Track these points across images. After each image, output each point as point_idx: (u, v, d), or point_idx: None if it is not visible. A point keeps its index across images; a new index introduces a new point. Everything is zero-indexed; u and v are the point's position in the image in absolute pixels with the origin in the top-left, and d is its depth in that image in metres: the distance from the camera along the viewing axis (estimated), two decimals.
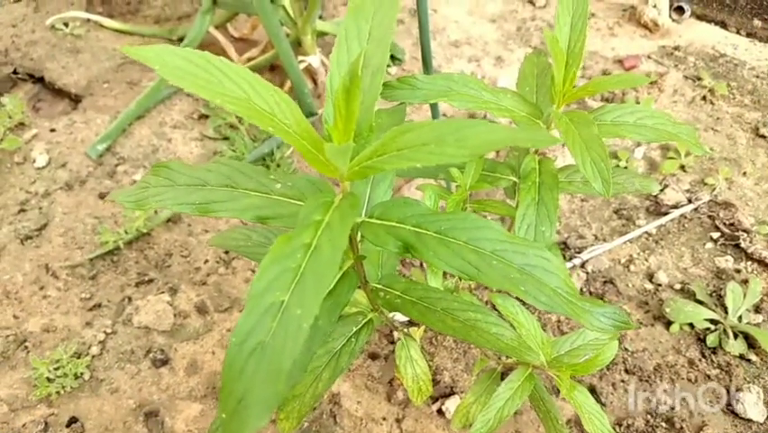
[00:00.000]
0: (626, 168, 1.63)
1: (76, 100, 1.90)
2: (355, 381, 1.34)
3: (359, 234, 0.72)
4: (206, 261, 1.51)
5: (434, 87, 0.93)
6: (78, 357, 1.35)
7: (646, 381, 1.32)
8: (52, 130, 1.77)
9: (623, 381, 1.32)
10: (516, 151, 1.18)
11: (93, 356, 1.36)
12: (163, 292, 1.45)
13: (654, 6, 1.85)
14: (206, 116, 1.75)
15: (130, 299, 1.45)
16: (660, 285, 1.45)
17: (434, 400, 1.31)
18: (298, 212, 0.67)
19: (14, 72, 1.97)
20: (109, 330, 1.40)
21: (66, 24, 2.05)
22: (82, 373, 1.33)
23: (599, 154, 0.81)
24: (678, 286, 1.45)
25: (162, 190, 0.72)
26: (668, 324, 1.39)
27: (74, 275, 1.49)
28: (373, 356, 1.37)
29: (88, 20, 2.05)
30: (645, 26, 1.90)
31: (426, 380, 1.06)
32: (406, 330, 1.10)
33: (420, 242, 0.65)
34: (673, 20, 1.92)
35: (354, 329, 0.93)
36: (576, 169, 1.06)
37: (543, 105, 1.02)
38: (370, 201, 0.79)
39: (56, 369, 1.33)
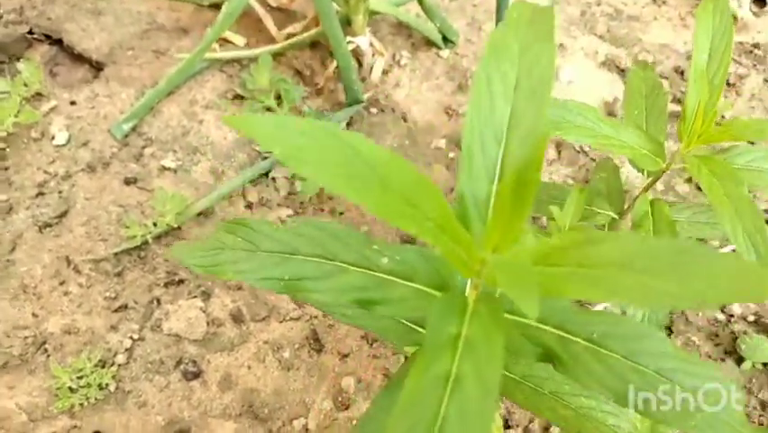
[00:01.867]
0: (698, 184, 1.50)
1: (97, 68, 1.74)
2: None
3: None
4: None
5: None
6: (103, 366, 1.25)
7: None
8: (72, 103, 1.62)
9: None
10: (605, 173, 1.05)
11: (119, 365, 1.26)
12: (195, 297, 1.33)
13: None
14: (242, 97, 1.60)
15: (159, 301, 1.34)
16: (732, 316, 1.33)
17: None
18: (412, 295, 0.55)
19: (30, 32, 1.80)
20: (136, 336, 1.29)
21: None
22: (107, 384, 1.23)
23: (754, 223, 0.68)
24: (751, 318, 1.34)
25: (241, 256, 0.59)
26: (739, 360, 1.28)
27: (97, 270, 1.37)
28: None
29: None
30: None
31: None
32: None
33: (567, 352, 0.53)
34: (754, 13, 1.75)
35: None
36: (690, 207, 0.93)
37: (654, 133, 0.89)
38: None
39: (79, 378, 1.22)
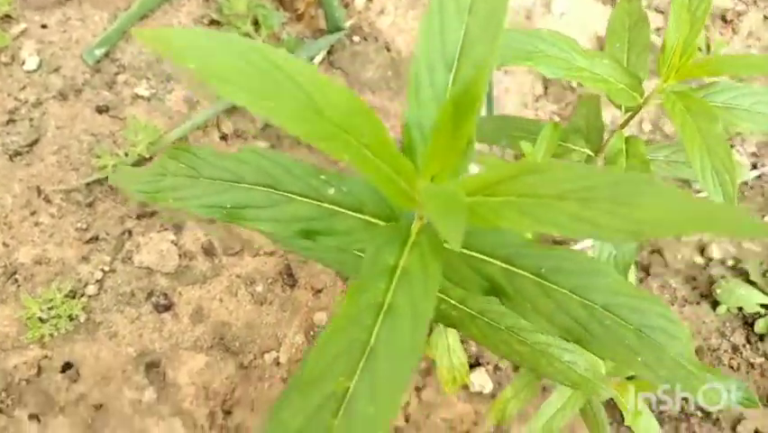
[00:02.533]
0: None
1: None
2: None
3: None
4: None
5: (512, 46, 0.75)
6: (74, 297, 1.24)
7: None
8: (44, 26, 1.55)
9: None
10: (586, 109, 1.02)
11: (90, 297, 1.25)
12: (167, 229, 1.31)
13: None
14: (218, 23, 1.54)
15: (130, 233, 1.32)
16: (711, 260, 1.32)
17: None
18: (358, 227, 0.53)
19: None
20: (107, 268, 1.28)
21: None
22: (78, 315, 1.22)
23: (724, 163, 0.66)
24: (730, 262, 1.33)
25: (183, 183, 0.56)
26: (715, 303, 1.28)
27: (69, 201, 1.35)
28: None
29: None
30: None
31: (463, 371, 0.95)
32: None
33: (513, 286, 0.51)
34: (765, 17, 1.67)
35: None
36: (669, 146, 0.90)
37: (635, 68, 0.85)
38: None
39: (49, 309, 1.21)
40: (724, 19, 1.57)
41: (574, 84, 1.52)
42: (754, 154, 1.43)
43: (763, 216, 1.37)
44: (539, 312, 0.49)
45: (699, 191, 1.42)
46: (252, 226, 0.53)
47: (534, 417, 0.84)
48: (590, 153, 0.92)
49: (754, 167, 1.41)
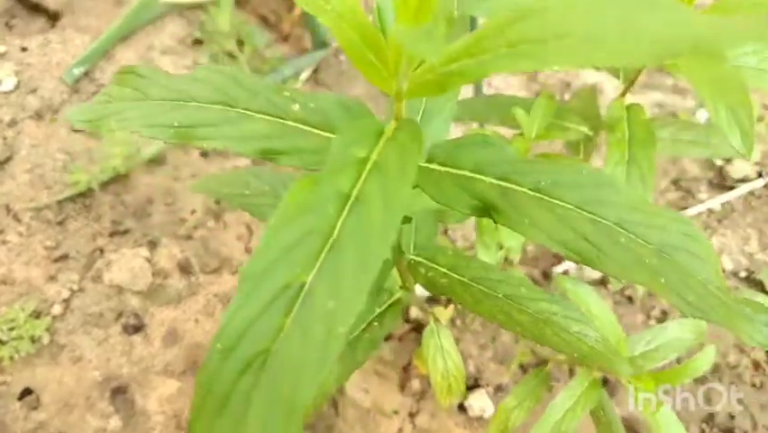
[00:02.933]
0: None
1: (54, 18, 1.64)
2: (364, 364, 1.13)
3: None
4: (193, 211, 1.28)
5: None
6: (38, 317, 1.14)
7: (702, 382, 1.12)
8: (24, 49, 1.52)
9: None
10: (582, 97, 0.96)
11: (54, 317, 1.15)
12: (141, 246, 1.23)
13: None
14: (201, 42, 1.51)
15: (102, 251, 1.23)
16: (723, 271, 1.24)
17: None
18: (327, 147, 0.45)
19: None
20: (75, 287, 1.18)
21: None
22: (40, 337, 1.12)
23: (739, 99, 0.59)
24: (743, 274, 1.24)
25: (129, 106, 0.49)
26: None
27: (39, 219, 1.27)
28: (386, 337, 1.16)
29: None
30: None
31: (459, 376, 0.85)
32: (431, 310, 0.90)
33: (508, 203, 0.43)
34: None
35: (378, 311, 0.72)
36: (675, 123, 0.84)
37: None
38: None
39: (10, 329, 1.11)
40: None
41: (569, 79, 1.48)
42: (758, 163, 1.37)
43: None
44: (538, 227, 0.41)
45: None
46: (205, 146, 0.46)
47: (539, 419, 0.74)
48: (588, 132, 0.85)
49: (760, 175, 1.34)
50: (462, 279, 0.61)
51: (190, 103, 0.48)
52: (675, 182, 1.35)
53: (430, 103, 0.54)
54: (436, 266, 0.63)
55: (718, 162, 1.37)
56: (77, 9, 1.64)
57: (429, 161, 0.46)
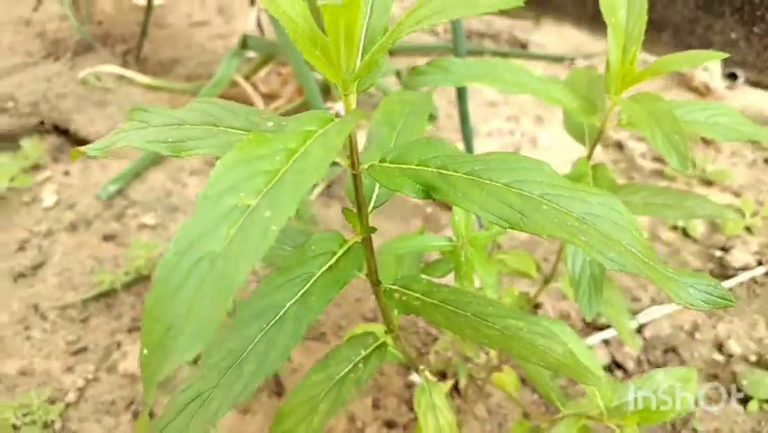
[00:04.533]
0: (684, 231, 1.45)
1: None
2: None
3: (364, 185, 0.57)
4: None
5: (470, 71, 0.80)
6: (52, 403, 1.17)
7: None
8: (66, 173, 1.69)
9: None
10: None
11: (68, 404, 1.18)
12: None
13: (705, 70, 1.75)
14: None
15: (119, 344, 1.29)
16: (732, 356, 1.22)
17: None
18: None
19: (41, 123, 1.94)
20: (91, 376, 1.23)
21: (98, 78, 2.03)
22: (53, 422, 1.15)
23: (671, 127, 0.66)
24: (753, 358, 1.22)
25: (134, 132, 0.59)
26: (744, 401, 1.16)
27: (63, 317, 1.34)
28: (390, 425, 1.16)
29: (121, 76, 2.04)
30: (696, 90, 1.79)
31: None
32: (428, 375, 0.91)
33: (446, 183, 0.50)
34: (726, 87, 1.80)
35: (363, 353, 0.76)
36: (646, 188, 0.90)
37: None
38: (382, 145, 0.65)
39: (24, 415, 1.15)
40: (705, 141, 1.64)
41: None
42: (756, 252, 1.39)
43: None
44: (470, 200, 0.48)
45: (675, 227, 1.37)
46: (191, 154, 0.54)
47: None
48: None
49: (760, 263, 1.36)
50: (434, 301, 0.66)
51: (183, 126, 0.57)
52: None
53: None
54: (410, 292, 0.67)
55: (717, 254, 1.40)
56: None
57: (382, 161, 0.54)
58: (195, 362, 1.10)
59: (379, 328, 0.77)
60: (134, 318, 1.34)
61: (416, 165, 0.52)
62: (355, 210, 0.60)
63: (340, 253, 0.60)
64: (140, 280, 1.40)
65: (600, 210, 0.48)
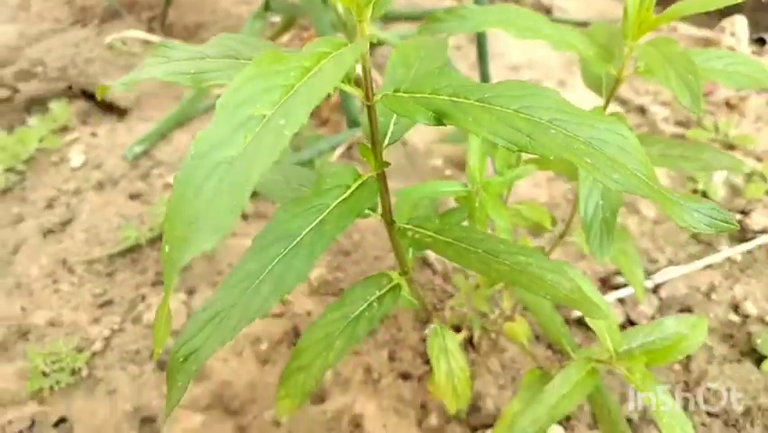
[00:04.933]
0: (704, 193, 1.45)
1: (124, 113, 1.87)
2: (382, 402, 1.15)
3: (379, 121, 0.59)
4: (230, 263, 1.38)
5: (485, 17, 0.81)
6: (79, 352, 1.22)
7: (734, 426, 1.08)
8: (93, 134, 1.73)
9: (704, 424, 1.09)
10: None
11: (94, 353, 1.23)
12: (179, 291, 1.32)
13: (732, 35, 1.72)
14: None
15: (144, 297, 1.33)
16: (747, 317, 1.23)
17: (474, 430, 1.10)
18: None
19: (69, 87, 1.98)
20: (116, 327, 1.27)
21: (124, 43, 2.07)
22: (80, 369, 1.19)
23: (685, 67, 0.66)
24: None
25: (156, 67, 0.61)
26: (758, 360, 1.16)
27: (90, 271, 1.39)
28: (405, 376, 1.19)
29: (146, 41, 2.07)
30: None
31: (464, 378, 0.87)
32: (442, 324, 0.93)
33: (457, 109, 0.51)
34: (753, 52, 1.77)
35: (377, 293, 0.78)
36: (664, 141, 0.91)
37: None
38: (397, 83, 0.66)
39: (53, 362, 1.19)
40: (729, 105, 1.63)
41: None
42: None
43: None
44: (480, 124, 0.49)
45: (695, 191, 1.37)
46: (212, 84, 0.56)
47: (534, 402, 0.75)
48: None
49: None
50: (446, 239, 0.67)
51: (204, 59, 0.59)
52: (695, 236, 1.37)
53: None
54: (423, 230, 0.69)
55: (737, 217, 1.39)
56: (143, 105, 1.86)
57: (396, 91, 0.55)
58: None
59: (394, 273, 0.79)
60: (158, 273, 1.37)
61: (429, 94, 0.53)
62: (369, 145, 0.61)
63: (354, 186, 0.62)
64: None
65: (608, 136, 0.49)
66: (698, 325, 0.80)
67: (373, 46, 1.67)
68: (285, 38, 1.92)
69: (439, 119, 0.51)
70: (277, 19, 1.88)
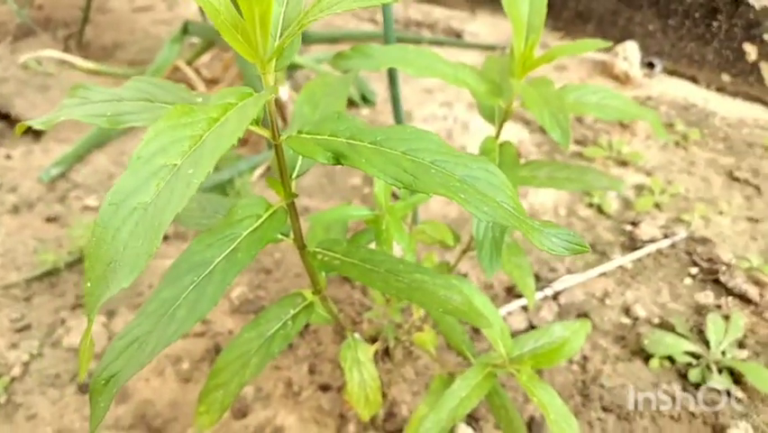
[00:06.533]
0: (599, 206, 1.58)
1: (39, 134, 1.85)
2: (303, 413, 1.20)
3: (287, 156, 0.65)
4: (150, 284, 1.40)
5: (387, 56, 0.89)
6: None
7: (625, 419, 1.20)
8: (8, 157, 1.71)
9: (600, 419, 1.20)
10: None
11: (13, 378, 1.22)
12: (99, 314, 1.33)
13: (625, 59, 1.88)
14: None
15: (63, 321, 1.33)
16: (637, 319, 1.35)
17: None
18: None
19: None
20: (35, 352, 1.27)
21: (39, 63, 2.04)
22: None
23: (557, 106, 0.76)
24: (656, 321, 1.36)
25: (76, 108, 0.65)
26: (647, 359, 1.28)
27: (7, 296, 1.37)
28: (324, 388, 1.24)
29: (62, 61, 2.05)
30: (617, 78, 1.93)
31: (375, 387, 0.94)
32: (356, 336, 1.00)
33: (353, 151, 0.58)
34: (645, 75, 1.94)
35: (292, 312, 0.84)
36: (549, 165, 1.00)
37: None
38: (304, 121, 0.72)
39: None
40: (623, 125, 1.78)
41: None
42: (663, 226, 1.53)
43: (682, 279, 1.43)
44: (372, 164, 0.56)
45: (591, 204, 1.50)
46: (128, 126, 0.61)
47: (436, 406, 0.83)
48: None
49: (665, 236, 1.50)
50: (352, 261, 0.74)
51: (121, 101, 0.64)
52: (591, 246, 1.50)
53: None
54: (331, 253, 0.76)
55: (628, 228, 1.53)
56: (60, 126, 1.84)
57: (299, 132, 0.62)
58: None
59: (308, 292, 0.85)
60: (78, 296, 1.38)
61: (329, 136, 0.60)
62: (278, 178, 0.67)
63: (265, 216, 0.68)
64: (83, 260, 1.43)
65: (479, 173, 0.57)
66: (580, 330, 0.90)
67: (292, 68, 1.73)
68: (205, 58, 1.95)
69: (337, 159, 0.58)
70: (196, 40, 1.91)
